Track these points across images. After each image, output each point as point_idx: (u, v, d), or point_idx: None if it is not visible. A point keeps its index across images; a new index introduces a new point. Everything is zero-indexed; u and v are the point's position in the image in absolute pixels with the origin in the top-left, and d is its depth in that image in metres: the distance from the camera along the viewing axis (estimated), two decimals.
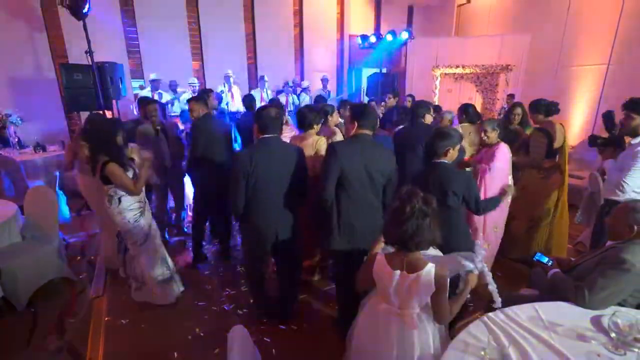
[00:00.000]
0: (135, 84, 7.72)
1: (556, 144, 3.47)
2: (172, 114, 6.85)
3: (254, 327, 2.79)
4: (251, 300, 3.08)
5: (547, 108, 3.52)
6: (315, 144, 3.15)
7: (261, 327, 2.82)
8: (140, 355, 2.59)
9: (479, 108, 8.06)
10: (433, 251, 1.87)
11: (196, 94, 6.19)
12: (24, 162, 5.21)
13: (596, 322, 1.75)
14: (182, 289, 3.26)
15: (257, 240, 2.62)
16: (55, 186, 4.03)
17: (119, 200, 2.88)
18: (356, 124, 2.45)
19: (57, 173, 4.70)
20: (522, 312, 1.83)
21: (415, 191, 1.64)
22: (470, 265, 1.81)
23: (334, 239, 2.44)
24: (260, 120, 2.52)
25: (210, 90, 4.74)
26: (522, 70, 7.79)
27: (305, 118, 3.17)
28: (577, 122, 7.79)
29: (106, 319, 2.97)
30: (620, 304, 1.86)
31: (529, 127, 4.05)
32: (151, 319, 2.96)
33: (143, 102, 4.14)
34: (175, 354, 2.58)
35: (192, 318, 2.96)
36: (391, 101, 6.01)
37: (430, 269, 1.62)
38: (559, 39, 7.86)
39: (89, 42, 5.07)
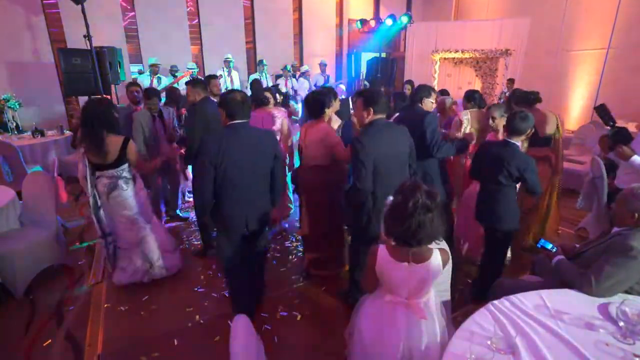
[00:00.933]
0: (134, 68, 7.65)
1: (545, 132, 3.44)
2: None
3: (255, 314, 2.79)
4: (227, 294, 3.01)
5: (525, 98, 3.48)
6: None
7: (262, 315, 2.82)
8: (140, 342, 2.58)
9: None
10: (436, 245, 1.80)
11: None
12: (22, 147, 5.18)
13: (604, 310, 1.72)
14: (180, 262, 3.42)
15: (228, 230, 2.51)
16: (54, 171, 3.98)
17: (134, 180, 3.01)
18: (371, 110, 2.45)
19: (55, 158, 4.65)
20: (527, 300, 1.79)
21: (418, 185, 1.57)
22: None
23: (372, 226, 2.47)
24: (226, 106, 2.37)
25: (214, 77, 4.67)
26: (522, 54, 7.70)
27: (316, 105, 3.05)
28: (576, 107, 7.75)
29: (105, 305, 2.97)
30: (627, 292, 1.84)
31: None
32: (151, 305, 2.96)
33: (146, 93, 4.09)
34: (176, 341, 2.58)
35: (192, 305, 2.96)
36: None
37: (437, 255, 1.61)
38: (559, 23, 7.76)
39: (87, 26, 4.99)
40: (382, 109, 2.47)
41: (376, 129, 2.44)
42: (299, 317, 2.83)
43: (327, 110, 3.09)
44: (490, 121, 3.33)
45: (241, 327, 1.41)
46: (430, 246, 1.63)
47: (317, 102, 3.04)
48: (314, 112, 3.07)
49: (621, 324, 1.56)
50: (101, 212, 3.05)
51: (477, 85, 8.27)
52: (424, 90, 3.30)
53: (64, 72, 5.11)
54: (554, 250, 2.13)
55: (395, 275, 1.64)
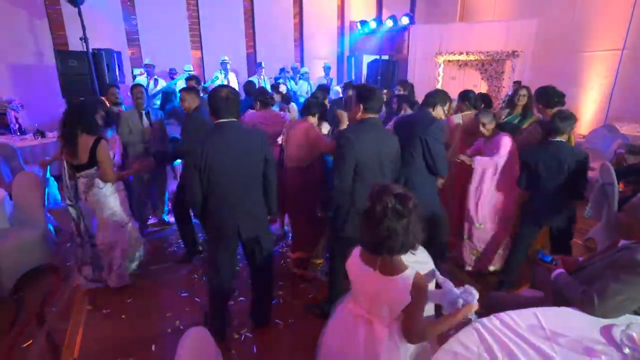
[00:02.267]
0: (136, 71, 7.70)
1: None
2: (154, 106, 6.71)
3: (237, 320, 2.73)
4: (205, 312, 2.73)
5: (548, 99, 3.29)
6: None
7: (243, 321, 2.73)
8: (118, 346, 2.54)
9: None
10: (413, 257, 1.60)
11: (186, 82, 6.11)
12: (22, 148, 5.22)
13: (607, 333, 1.54)
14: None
15: (217, 239, 2.35)
16: (47, 172, 3.99)
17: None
18: (361, 106, 2.34)
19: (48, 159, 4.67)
20: (520, 318, 1.62)
21: (388, 188, 1.42)
22: (468, 297, 1.52)
23: (348, 226, 2.38)
24: (210, 102, 2.19)
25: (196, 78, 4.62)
26: (530, 56, 7.52)
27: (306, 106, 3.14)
28: (588, 111, 7.52)
29: (88, 307, 2.94)
30: (636, 312, 1.66)
31: (532, 115, 3.87)
32: (133, 309, 2.92)
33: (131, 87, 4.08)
34: (153, 347, 2.52)
35: (174, 309, 2.91)
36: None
37: (409, 274, 1.41)
38: (569, 24, 7.55)
39: (84, 28, 5.06)
40: (373, 107, 2.35)
41: (368, 128, 2.34)
42: (281, 326, 2.74)
43: (313, 116, 3.09)
44: (481, 127, 3.17)
45: (190, 343, 1.31)
46: (406, 262, 1.46)
47: (307, 102, 3.08)
48: (302, 111, 3.11)
49: (626, 350, 1.41)
50: (76, 211, 3.04)
51: (483, 88, 8.10)
52: (440, 95, 2.99)
53: (60, 73, 5.16)
54: (554, 263, 1.96)
55: (360, 280, 1.54)
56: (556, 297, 1.84)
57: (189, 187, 2.23)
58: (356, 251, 1.58)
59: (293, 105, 5.41)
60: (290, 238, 3.95)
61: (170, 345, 2.55)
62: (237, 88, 7.27)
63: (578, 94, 7.48)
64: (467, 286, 1.54)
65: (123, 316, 2.84)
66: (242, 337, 2.60)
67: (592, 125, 7.15)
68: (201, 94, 4.09)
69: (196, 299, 3.03)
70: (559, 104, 3.31)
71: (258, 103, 3.77)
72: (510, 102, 4.13)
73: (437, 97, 2.96)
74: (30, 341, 2.58)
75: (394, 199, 1.39)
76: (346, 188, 2.32)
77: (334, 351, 1.62)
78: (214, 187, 2.20)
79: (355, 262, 1.56)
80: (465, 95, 3.80)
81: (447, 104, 3.08)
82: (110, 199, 2.97)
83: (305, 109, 3.15)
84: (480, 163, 3.13)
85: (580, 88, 7.49)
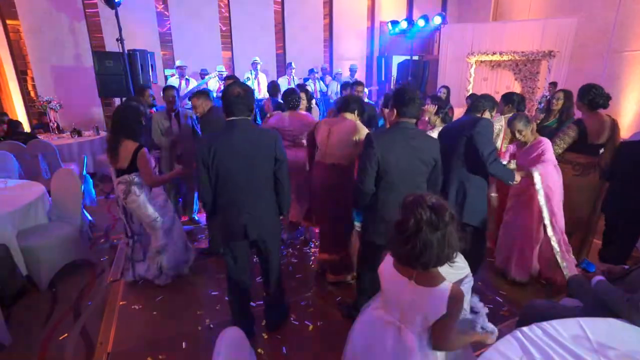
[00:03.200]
0: (168, 72, 7.89)
1: (599, 140, 3.10)
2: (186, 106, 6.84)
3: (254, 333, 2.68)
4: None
5: (591, 100, 3.08)
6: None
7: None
8: (149, 342, 2.57)
9: None
10: (452, 270, 1.57)
11: (223, 81, 6.17)
12: (60, 146, 5.43)
13: None
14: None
15: (225, 239, 2.34)
16: (83, 169, 4.12)
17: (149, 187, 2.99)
18: (395, 111, 2.26)
19: (85, 157, 4.83)
20: (563, 328, 1.53)
21: (422, 199, 1.35)
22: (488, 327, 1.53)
23: (371, 230, 2.36)
24: (222, 101, 2.16)
25: (234, 77, 4.64)
26: (567, 56, 7.20)
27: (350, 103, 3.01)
28: (629, 113, 7.15)
29: (120, 303, 2.99)
30: None
31: (571, 119, 3.68)
32: (164, 305, 2.95)
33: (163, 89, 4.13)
34: (184, 344, 2.54)
35: (204, 307, 2.93)
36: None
37: (445, 286, 1.35)
38: (610, 22, 7.21)
39: (120, 29, 5.20)
40: (408, 113, 2.23)
41: (396, 131, 2.26)
42: (310, 328, 2.71)
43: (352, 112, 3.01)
44: (518, 135, 2.97)
45: (226, 342, 1.29)
46: (444, 274, 1.40)
47: (347, 98, 3.01)
48: (341, 107, 3.01)
49: None
50: (126, 213, 3.09)
51: (517, 89, 7.81)
52: (489, 101, 2.89)
53: (97, 74, 5.32)
54: (593, 270, 1.87)
55: (393, 288, 1.48)
56: (597, 307, 1.72)
57: (198, 185, 2.23)
58: (389, 258, 1.51)
59: (315, 106, 5.36)
60: (314, 239, 3.94)
61: (201, 343, 2.57)
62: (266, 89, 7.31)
63: (619, 96, 7.13)
64: (491, 326, 1.53)
65: (154, 313, 2.87)
66: (273, 338, 2.58)
67: (634, 129, 6.81)
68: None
69: (226, 297, 3.02)
70: (603, 106, 3.12)
71: (285, 106, 3.73)
72: (548, 108, 3.97)
73: (485, 102, 2.85)
74: (66, 335, 2.65)
75: (429, 210, 1.31)
76: (367, 191, 2.27)
77: (359, 352, 1.57)
78: (221, 185, 2.18)
79: (388, 270, 1.49)
80: (509, 98, 3.63)
81: (495, 110, 2.96)
82: (147, 206, 2.97)
83: (345, 105, 3.00)
84: (539, 173, 2.88)
85: (620, 89, 7.16)
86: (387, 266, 1.51)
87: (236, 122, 2.15)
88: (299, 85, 5.78)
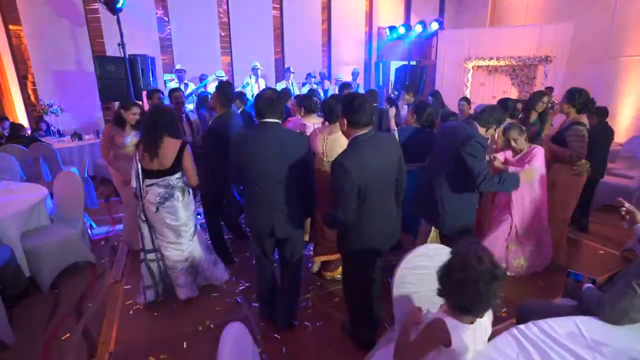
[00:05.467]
0: (167, 77, 7.95)
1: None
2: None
3: (266, 322, 2.75)
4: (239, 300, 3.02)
5: (584, 104, 3.16)
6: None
7: (272, 322, 2.75)
8: (150, 343, 2.59)
9: None
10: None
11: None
12: (60, 149, 5.47)
13: None
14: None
15: (254, 234, 2.48)
16: (84, 172, 4.17)
17: (189, 191, 2.85)
18: (346, 121, 2.06)
19: (87, 160, 4.88)
20: (559, 326, 1.56)
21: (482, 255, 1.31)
22: None
23: (347, 241, 2.24)
24: (255, 103, 2.28)
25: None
26: (564, 61, 7.31)
27: (332, 110, 2.83)
28: (625, 118, 7.25)
29: (121, 304, 3.02)
30: None
31: (548, 120, 4.22)
32: (165, 307, 2.98)
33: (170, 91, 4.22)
34: (184, 344, 2.57)
35: (205, 309, 2.95)
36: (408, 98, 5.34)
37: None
38: (606, 28, 7.32)
39: (121, 35, 5.26)
40: (361, 120, 2.03)
41: (361, 148, 2.02)
42: (309, 328, 2.74)
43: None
44: (512, 142, 3.09)
45: (232, 336, 1.34)
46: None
47: (329, 107, 2.88)
48: (332, 116, 2.89)
49: None
50: (145, 225, 2.81)
51: (513, 94, 7.91)
52: (497, 116, 2.61)
53: (98, 78, 5.37)
54: (580, 279, 1.97)
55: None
56: (588, 310, 1.78)
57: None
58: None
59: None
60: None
61: (201, 343, 2.60)
62: None
63: (614, 101, 7.21)
64: None
65: (155, 313, 2.90)
66: (272, 337, 2.62)
67: (630, 133, 6.90)
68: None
69: (226, 299, 3.08)
70: (590, 110, 3.27)
71: (302, 109, 3.66)
72: (530, 107, 4.18)
73: (493, 118, 2.57)
74: (68, 335, 2.68)
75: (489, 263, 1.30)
76: (350, 221, 2.08)
77: None
78: (249, 183, 2.29)
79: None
80: (504, 104, 3.71)
81: (499, 126, 2.79)
82: (187, 209, 2.82)
83: (332, 115, 2.89)
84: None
85: (617, 94, 7.26)
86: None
87: (268, 124, 2.26)
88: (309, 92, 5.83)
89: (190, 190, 2.89)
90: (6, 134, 5.39)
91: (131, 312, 2.93)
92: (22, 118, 7.35)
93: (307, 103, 3.59)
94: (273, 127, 2.27)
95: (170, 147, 2.65)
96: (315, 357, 2.51)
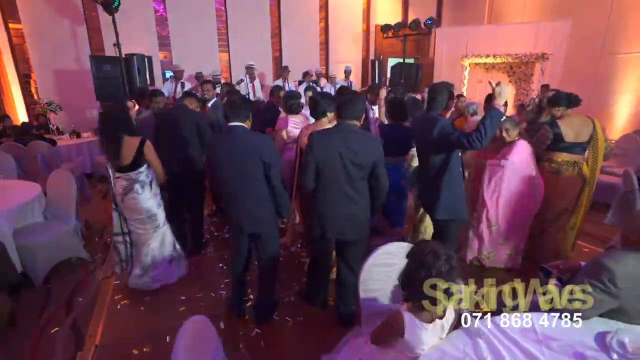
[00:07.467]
0: (168, 74, 8.04)
1: (570, 139, 3.20)
2: None
3: (247, 316, 2.82)
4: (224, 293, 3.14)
5: (566, 100, 3.24)
6: None
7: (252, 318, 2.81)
8: (136, 336, 2.68)
9: (511, 99, 7.66)
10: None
11: (220, 85, 6.29)
12: (59, 147, 5.57)
13: (601, 339, 1.51)
14: (185, 271, 3.37)
15: (231, 231, 2.72)
16: (78, 170, 4.25)
17: (151, 184, 3.01)
18: (337, 112, 2.45)
19: (80, 158, 4.96)
20: (515, 321, 1.61)
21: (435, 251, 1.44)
22: None
23: (313, 227, 2.51)
24: (224, 107, 2.49)
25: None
26: (560, 59, 7.28)
27: (318, 106, 2.90)
28: (622, 114, 7.21)
29: (110, 299, 3.10)
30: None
31: None
32: (150, 302, 3.06)
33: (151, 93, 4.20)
34: (168, 338, 2.62)
35: (189, 304, 3.03)
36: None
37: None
38: (604, 25, 7.27)
39: (117, 35, 5.33)
40: (349, 114, 2.35)
41: (336, 131, 2.35)
42: (290, 323, 2.81)
43: (328, 115, 2.93)
44: (504, 132, 3.24)
45: (191, 332, 1.37)
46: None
47: (315, 103, 2.94)
48: (317, 114, 2.95)
49: (614, 356, 1.38)
50: (115, 212, 3.11)
51: (511, 92, 7.92)
52: (442, 97, 2.68)
53: (94, 77, 5.46)
54: (549, 276, 1.97)
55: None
56: None
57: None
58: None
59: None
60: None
61: None
62: (260, 94, 7.42)
63: (611, 98, 7.20)
64: None
65: (142, 309, 2.99)
66: (253, 333, 2.69)
67: (626, 131, 6.84)
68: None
69: (211, 294, 3.16)
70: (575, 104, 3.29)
71: (285, 108, 3.74)
72: (539, 107, 4.12)
73: (439, 101, 2.68)
74: (57, 328, 2.76)
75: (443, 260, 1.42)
76: (307, 187, 2.42)
77: None
78: (221, 184, 2.50)
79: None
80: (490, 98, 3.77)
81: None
82: (151, 202, 3.01)
83: (318, 111, 2.96)
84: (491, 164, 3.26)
85: (613, 91, 7.22)
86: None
87: (232, 127, 2.41)
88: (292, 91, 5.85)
89: (153, 184, 3.04)
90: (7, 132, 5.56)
91: (119, 307, 3.02)
92: (22, 116, 7.48)
93: (289, 103, 3.68)
94: (236, 130, 2.41)
95: (130, 146, 2.84)
96: (293, 352, 2.58)
